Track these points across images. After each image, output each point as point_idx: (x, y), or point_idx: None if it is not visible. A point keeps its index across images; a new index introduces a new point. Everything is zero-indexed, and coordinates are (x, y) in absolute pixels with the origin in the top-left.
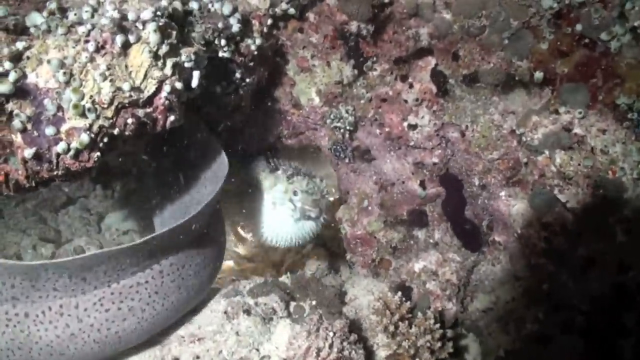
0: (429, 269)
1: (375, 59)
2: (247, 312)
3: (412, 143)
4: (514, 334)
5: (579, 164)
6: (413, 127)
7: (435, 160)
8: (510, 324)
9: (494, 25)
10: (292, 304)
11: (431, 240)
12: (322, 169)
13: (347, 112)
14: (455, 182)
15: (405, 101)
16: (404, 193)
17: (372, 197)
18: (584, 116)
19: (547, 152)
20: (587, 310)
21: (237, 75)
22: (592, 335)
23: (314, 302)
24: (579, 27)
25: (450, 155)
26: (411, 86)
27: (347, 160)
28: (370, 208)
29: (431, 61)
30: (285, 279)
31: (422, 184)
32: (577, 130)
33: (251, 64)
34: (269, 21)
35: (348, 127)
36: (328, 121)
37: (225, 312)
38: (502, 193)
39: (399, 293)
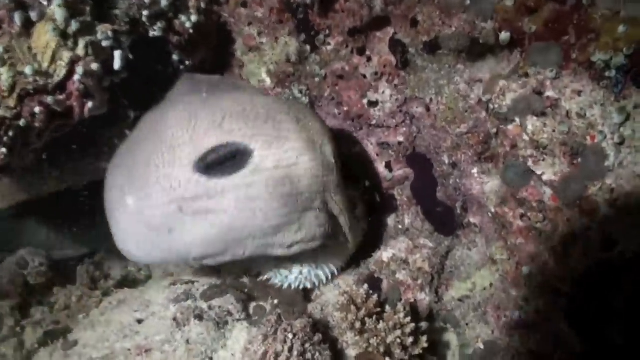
0: (399, 258)
1: (327, 31)
2: (199, 317)
3: (374, 122)
4: (493, 322)
5: (554, 131)
6: (374, 104)
7: (401, 139)
8: (489, 312)
9: None
10: (252, 304)
11: (400, 227)
12: None
13: (300, 92)
14: (424, 161)
15: (364, 76)
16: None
17: None
18: (557, 77)
19: (517, 120)
20: (570, 293)
21: (175, 57)
22: (577, 320)
23: (275, 302)
24: None
25: (417, 133)
26: (369, 59)
27: None
28: None
29: (389, 30)
30: (245, 278)
31: (388, 166)
32: (549, 93)
33: (189, 44)
34: None
35: None
36: None
37: (175, 319)
38: (475, 170)
39: (366, 286)
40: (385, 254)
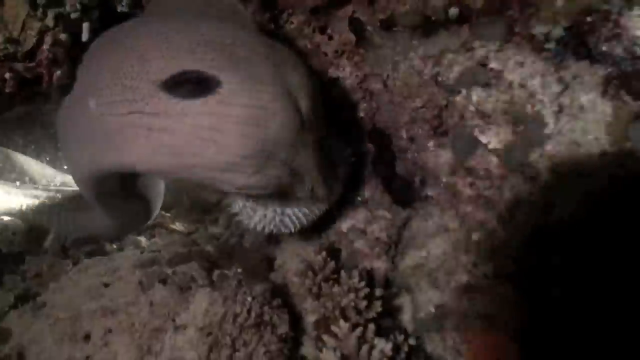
0: (357, 228)
1: (290, 10)
2: (164, 281)
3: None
4: (443, 287)
5: (497, 100)
6: (334, 80)
7: (361, 115)
8: (440, 278)
9: None
10: (216, 272)
11: (359, 198)
12: None
13: None
14: (383, 137)
15: (325, 54)
16: None
17: None
18: (500, 49)
19: (464, 91)
20: (516, 256)
21: None
22: (522, 282)
23: (239, 270)
24: None
25: (376, 109)
26: (330, 37)
27: None
28: None
29: (349, 9)
30: (209, 247)
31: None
32: (493, 64)
33: None
34: None
35: None
36: None
37: (140, 283)
38: (430, 143)
39: (323, 253)
40: (344, 224)
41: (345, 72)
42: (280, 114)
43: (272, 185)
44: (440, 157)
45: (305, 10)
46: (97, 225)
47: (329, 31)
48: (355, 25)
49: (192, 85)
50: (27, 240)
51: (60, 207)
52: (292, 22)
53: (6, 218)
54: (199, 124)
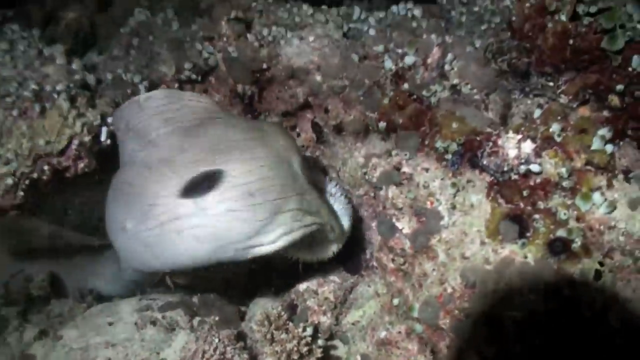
0: (311, 289)
1: (267, 113)
2: (154, 323)
3: None
4: (369, 340)
5: (406, 197)
6: None
7: None
8: (368, 332)
9: (352, 85)
10: (197, 318)
11: (315, 266)
12: None
13: None
14: None
15: None
16: None
17: None
18: (411, 158)
19: (384, 188)
20: (418, 318)
21: None
22: (423, 339)
23: (215, 318)
24: (405, 85)
25: None
26: (299, 135)
27: None
28: None
29: (311, 115)
30: (195, 298)
31: None
32: (405, 169)
33: None
34: (176, 85)
35: None
36: None
37: (136, 323)
38: (374, 224)
39: (279, 307)
40: (302, 285)
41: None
42: (278, 178)
43: (296, 227)
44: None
45: (278, 113)
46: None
47: (297, 130)
48: (316, 127)
49: (204, 183)
50: (53, 287)
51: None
52: None
53: None
54: (219, 211)
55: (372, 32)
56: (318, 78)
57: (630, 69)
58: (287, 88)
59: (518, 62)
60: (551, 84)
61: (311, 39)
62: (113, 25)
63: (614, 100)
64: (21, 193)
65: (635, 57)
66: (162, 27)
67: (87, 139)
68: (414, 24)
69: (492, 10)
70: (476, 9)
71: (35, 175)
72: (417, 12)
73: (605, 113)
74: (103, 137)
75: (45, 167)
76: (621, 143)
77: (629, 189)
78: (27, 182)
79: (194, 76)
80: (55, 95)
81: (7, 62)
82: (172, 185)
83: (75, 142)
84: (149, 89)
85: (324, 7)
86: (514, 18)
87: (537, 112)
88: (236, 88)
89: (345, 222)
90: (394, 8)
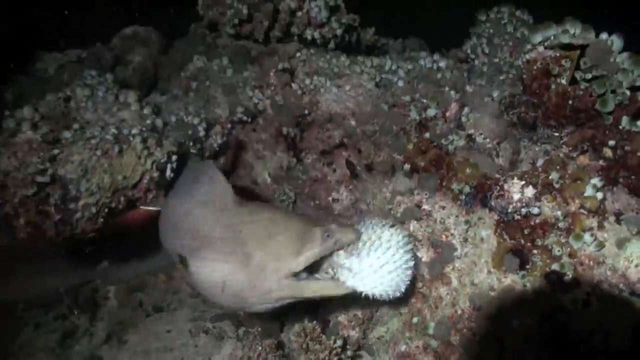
0: (342, 306)
1: (307, 151)
2: (206, 332)
3: (336, 212)
4: (391, 352)
5: (425, 231)
6: (336, 200)
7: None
8: (390, 346)
9: (382, 130)
10: (242, 329)
11: None
12: None
13: (289, 189)
14: None
15: (330, 182)
16: None
17: None
18: (430, 197)
19: (406, 222)
20: (433, 335)
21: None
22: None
23: (259, 329)
24: (427, 134)
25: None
26: (334, 171)
27: None
28: None
29: (346, 154)
30: (240, 311)
31: None
32: (425, 206)
33: (216, 155)
34: (229, 125)
35: (291, 200)
36: (277, 195)
37: (190, 331)
38: None
39: (314, 322)
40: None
41: (343, 196)
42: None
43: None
44: None
45: (317, 152)
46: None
47: (333, 166)
48: (349, 165)
49: None
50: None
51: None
52: (308, 159)
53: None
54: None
55: (400, 83)
56: (352, 123)
57: (620, 127)
58: (325, 130)
59: (527, 116)
60: (556, 134)
61: (347, 87)
62: (173, 68)
63: (608, 152)
64: (101, 219)
65: (624, 118)
66: (217, 73)
67: (155, 174)
68: (439, 75)
69: (510, 62)
70: (496, 60)
71: (113, 204)
72: (443, 64)
73: (601, 162)
74: (168, 173)
75: (122, 198)
76: (614, 189)
77: (618, 229)
78: (106, 210)
79: (245, 118)
80: (131, 138)
81: (89, 107)
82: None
83: (147, 177)
84: (207, 129)
85: (359, 57)
86: (524, 76)
87: (540, 161)
88: (281, 129)
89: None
90: (421, 61)
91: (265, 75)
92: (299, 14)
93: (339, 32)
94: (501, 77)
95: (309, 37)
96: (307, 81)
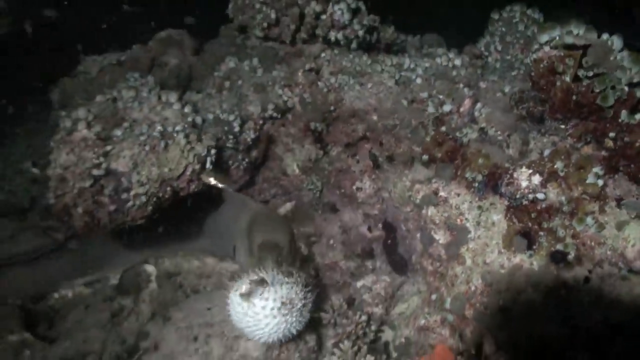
0: (367, 286)
1: (333, 144)
2: None
3: (360, 200)
4: (411, 326)
5: (441, 215)
6: (360, 189)
7: (376, 212)
8: (410, 321)
9: (402, 124)
10: None
11: (371, 267)
12: (307, 220)
13: (316, 179)
14: (391, 227)
15: (354, 172)
16: (357, 235)
17: (336, 237)
18: (447, 185)
19: (425, 208)
20: (449, 309)
21: (239, 157)
22: (453, 328)
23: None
24: (443, 128)
25: (386, 209)
26: (358, 162)
27: (319, 212)
28: (335, 245)
29: (369, 146)
30: None
31: (369, 229)
32: (442, 193)
33: (250, 147)
34: (261, 121)
35: (318, 189)
36: (305, 185)
37: None
38: (418, 235)
39: (341, 299)
40: (359, 283)
41: (366, 185)
42: None
43: None
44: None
45: (342, 144)
46: None
47: (357, 157)
48: (372, 156)
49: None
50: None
51: None
52: (334, 151)
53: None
54: None
55: (418, 80)
56: (374, 117)
57: (620, 120)
58: (349, 124)
59: (535, 110)
60: (562, 126)
61: (369, 85)
62: (206, 69)
63: (609, 143)
64: (150, 207)
65: (623, 111)
66: (248, 72)
67: (197, 167)
68: (454, 73)
69: (521, 59)
70: (508, 57)
71: (160, 194)
72: (458, 62)
73: (603, 152)
74: (208, 165)
75: (168, 189)
76: (616, 176)
77: (619, 213)
78: (154, 199)
79: (275, 114)
80: (175, 134)
81: (135, 107)
82: None
83: (189, 169)
84: (241, 125)
85: (380, 56)
86: (532, 73)
87: (547, 152)
88: (309, 124)
89: None
90: (438, 59)
91: (293, 74)
92: (323, 17)
93: (360, 33)
94: (513, 73)
95: (333, 39)
96: (332, 80)
